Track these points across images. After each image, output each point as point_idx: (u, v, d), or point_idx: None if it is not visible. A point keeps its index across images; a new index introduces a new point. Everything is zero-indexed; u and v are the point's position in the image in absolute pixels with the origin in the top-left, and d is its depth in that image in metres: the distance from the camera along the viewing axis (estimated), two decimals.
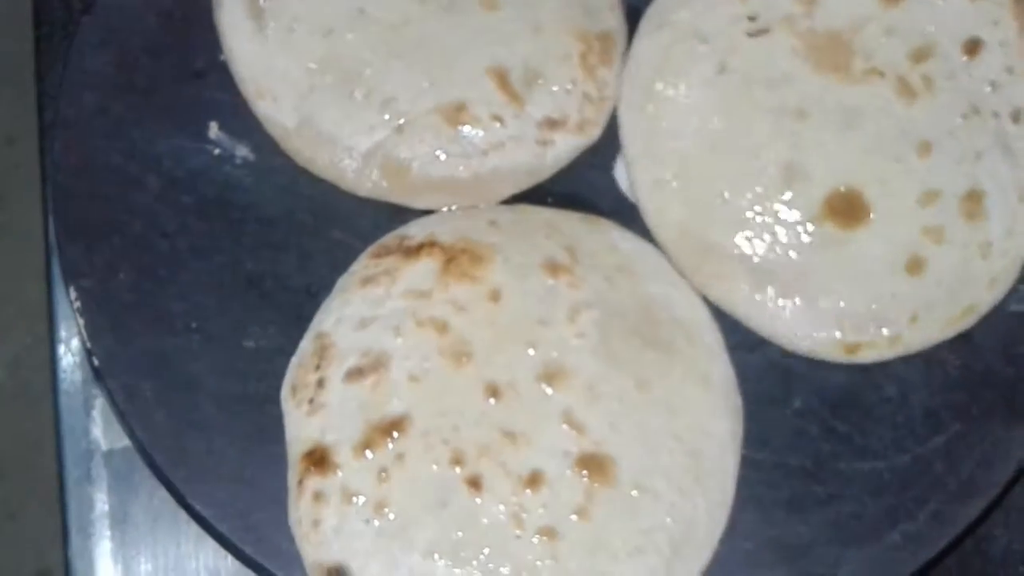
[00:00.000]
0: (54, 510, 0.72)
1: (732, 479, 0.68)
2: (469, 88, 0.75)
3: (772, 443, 0.69)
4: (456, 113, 0.74)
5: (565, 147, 0.75)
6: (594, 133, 0.76)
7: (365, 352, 0.69)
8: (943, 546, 0.66)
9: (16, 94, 1.02)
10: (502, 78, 0.75)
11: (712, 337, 0.71)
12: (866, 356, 0.70)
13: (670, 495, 0.66)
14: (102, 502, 0.72)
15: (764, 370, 0.70)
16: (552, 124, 0.75)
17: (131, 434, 0.69)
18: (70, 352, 0.75)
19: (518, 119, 0.74)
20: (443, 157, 0.74)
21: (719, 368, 0.70)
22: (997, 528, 0.71)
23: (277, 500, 0.67)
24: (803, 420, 0.70)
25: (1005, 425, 0.68)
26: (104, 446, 0.73)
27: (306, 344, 0.70)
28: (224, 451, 0.68)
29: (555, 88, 0.75)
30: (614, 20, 0.78)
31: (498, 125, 0.74)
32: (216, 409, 0.69)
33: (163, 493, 0.69)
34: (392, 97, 0.74)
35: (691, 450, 0.67)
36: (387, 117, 0.74)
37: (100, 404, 0.73)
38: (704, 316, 0.72)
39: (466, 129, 0.74)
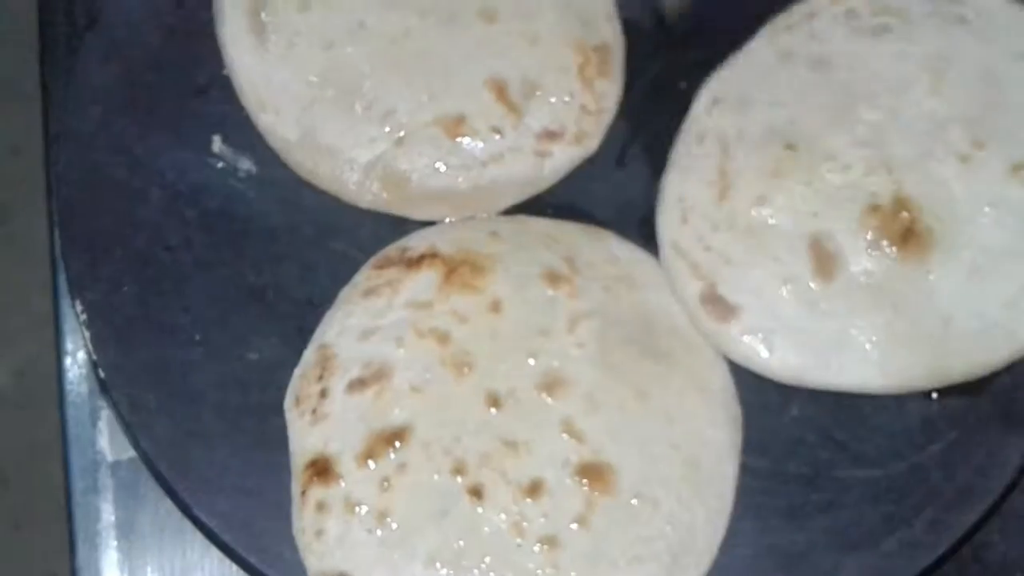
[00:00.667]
0: (61, 520, 0.73)
1: (731, 487, 0.68)
2: (468, 100, 0.75)
3: (770, 451, 0.70)
4: (455, 125, 0.75)
5: (563, 158, 0.75)
6: (592, 145, 0.76)
7: (367, 363, 0.69)
8: (940, 553, 0.66)
9: (21, 105, 1.02)
10: (500, 90, 0.75)
11: (710, 346, 0.71)
12: None
13: (669, 503, 0.67)
14: (108, 512, 0.72)
15: (762, 378, 0.70)
16: (550, 136, 0.75)
17: (136, 445, 0.70)
18: (76, 363, 0.76)
19: (516, 131, 0.75)
20: (442, 169, 0.75)
21: (717, 376, 0.71)
22: (994, 535, 0.71)
23: (281, 510, 0.68)
24: (801, 428, 0.70)
25: (1001, 433, 0.69)
26: (110, 457, 0.74)
27: (309, 355, 0.71)
28: (228, 461, 0.69)
29: (553, 100, 0.76)
30: (610, 33, 0.78)
31: (497, 137, 0.75)
32: (220, 420, 0.70)
33: (169, 503, 0.69)
34: (392, 110, 0.75)
35: (690, 458, 0.68)
36: (387, 129, 0.75)
37: (106, 415, 0.74)
38: None
39: (465, 141, 0.75)
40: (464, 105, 0.75)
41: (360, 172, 0.75)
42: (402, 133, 0.75)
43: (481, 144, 0.75)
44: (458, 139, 0.75)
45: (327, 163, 0.75)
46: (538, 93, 0.76)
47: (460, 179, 0.75)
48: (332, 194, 0.75)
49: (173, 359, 0.71)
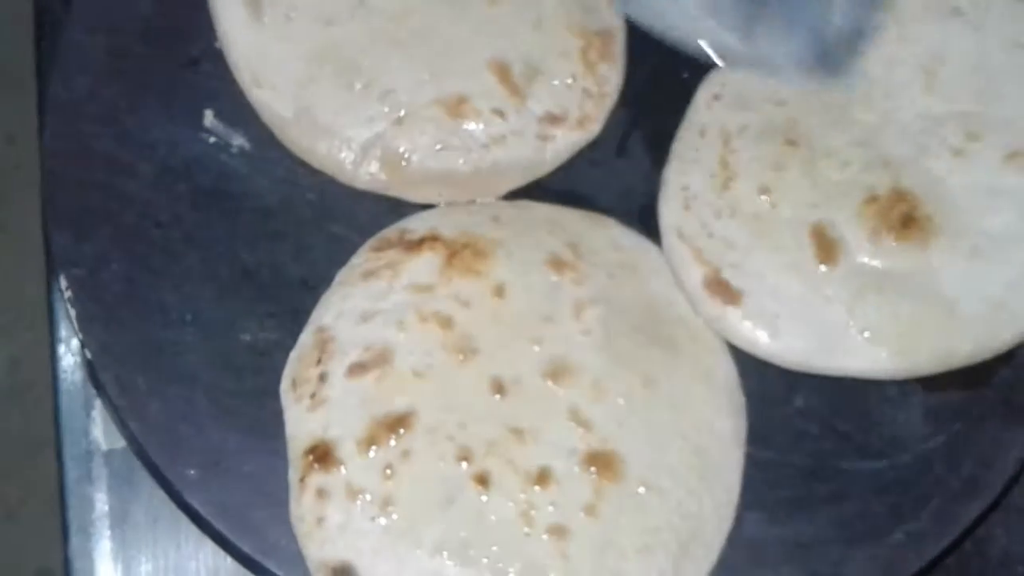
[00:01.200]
0: (54, 510, 0.70)
1: (737, 477, 0.68)
2: (470, 81, 0.74)
3: (774, 442, 0.69)
4: (457, 106, 0.73)
5: (565, 143, 0.74)
6: (594, 129, 0.75)
7: (368, 346, 0.68)
8: (946, 544, 0.67)
9: (16, 94, 1.00)
10: (503, 72, 0.74)
11: (714, 334, 0.71)
12: None
13: (677, 493, 0.66)
14: (102, 502, 0.70)
15: (765, 368, 0.70)
16: (553, 119, 0.74)
17: (124, 428, 0.68)
18: (70, 352, 0.74)
19: (519, 114, 0.74)
20: (443, 150, 0.73)
21: (722, 365, 0.70)
22: (997, 528, 0.72)
23: (275, 497, 0.66)
24: (805, 419, 0.70)
25: (1005, 424, 0.69)
26: (104, 446, 0.71)
27: (306, 338, 0.69)
28: (221, 447, 0.67)
29: (556, 83, 0.75)
30: (613, 18, 0.78)
31: (499, 119, 0.73)
32: (212, 403, 0.68)
33: (163, 493, 0.67)
34: (392, 89, 0.73)
35: (697, 448, 0.67)
36: (386, 109, 0.73)
37: (100, 404, 0.72)
38: None
39: (467, 122, 0.73)
40: (466, 86, 0.74)
41: (357, 151, 0.73)
42: (402, 113, 0.73)
43: (483, 126, 0.73)
44: (459, 120, 0.73)
45: (323, 141, 0.73)
46: (541, 76, 0.75)
47: (461, 161, 0.73)
48: (328, 173, 0.73)
49: (163, 340, 0.69)
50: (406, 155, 0.73)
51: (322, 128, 0.73)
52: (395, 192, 0.74)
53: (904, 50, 0.75)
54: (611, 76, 0.76)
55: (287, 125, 0.73)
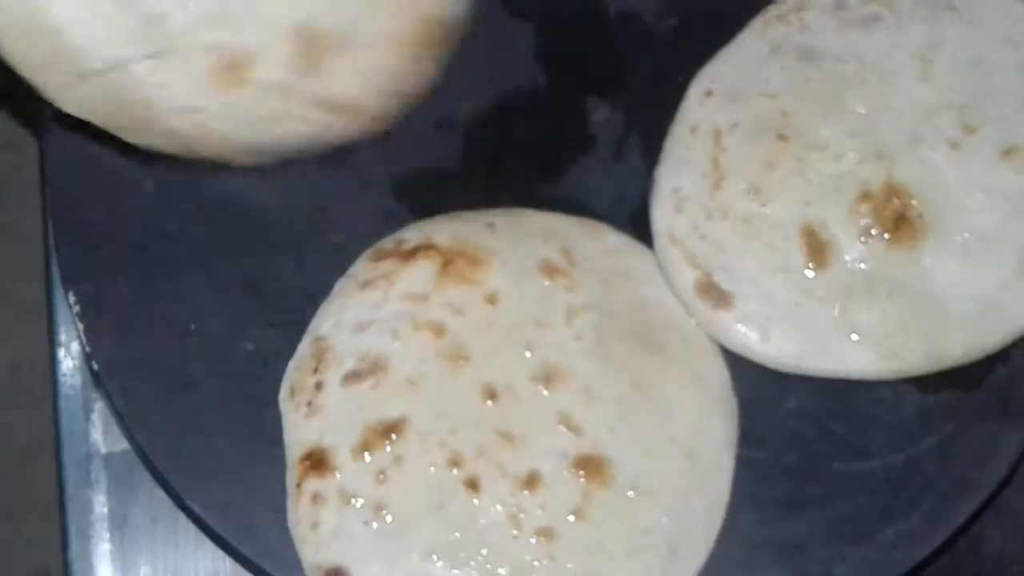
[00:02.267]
0: (53, 513, 0.72)
1: (728, 479, 0.68)
2: (262, 39, 0.66)
3: (767, 443, 0.69)
4: (233, 67, 0.66)
5: (341, 133, 0.72)
6: (380, 129, 0.73)
7: (363, 355, 0.69)
8: (937, 545, 0.66)
9: (15, 97, 1.02)
10: (304, 39, 0.67)
11: (706, 337, 0.71)
12: None
13: (666, 496, 0.67)
14: (101, 505, 0.72)
15: (758, 371, 0.70)
16: (339, 108, 0.70)
17: (130, 437, 0.70)
18: (69, 355, 0.76)
19: (302, 94, 0.68)
20: (203, 107, 0.67)
21: (714, 369, 0.71)
22: (991, 529, 0.72)
23: (276, 502, 0.67)
24: (797, 420, 0.70)
25: (998, 425, 0.69)
26: (104, 449, 0.73)
27: (304, 347, 0.71)
28: (223, 453, 0.69)
29: (359, 68, 0.70)
30: (456, 5, 0.72)
31: (277, 92, 0.68)
32: (215, 411, 0.70)
33: (163, 496, 0.69)
34: (162, 13, 0.63)
35: (687, 451, 0.68)
36: (149, 34, 0.63)
37: (100, 407, 0.74)
38: None
39: (237, 90, 0.67)
40: (255, 43, 0.66)
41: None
42: (164, 46, 0.64)
43: (256, 94, 0.67)
44: (231, 83, 0.66)
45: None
46: (344, 54, 0.68)
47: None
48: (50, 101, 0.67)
49: (168, 350, 0.71)
50: (148, 100, 0.66)
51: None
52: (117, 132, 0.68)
53: (899, 36, 0.75)
54: (423, 72, 0.72)
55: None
